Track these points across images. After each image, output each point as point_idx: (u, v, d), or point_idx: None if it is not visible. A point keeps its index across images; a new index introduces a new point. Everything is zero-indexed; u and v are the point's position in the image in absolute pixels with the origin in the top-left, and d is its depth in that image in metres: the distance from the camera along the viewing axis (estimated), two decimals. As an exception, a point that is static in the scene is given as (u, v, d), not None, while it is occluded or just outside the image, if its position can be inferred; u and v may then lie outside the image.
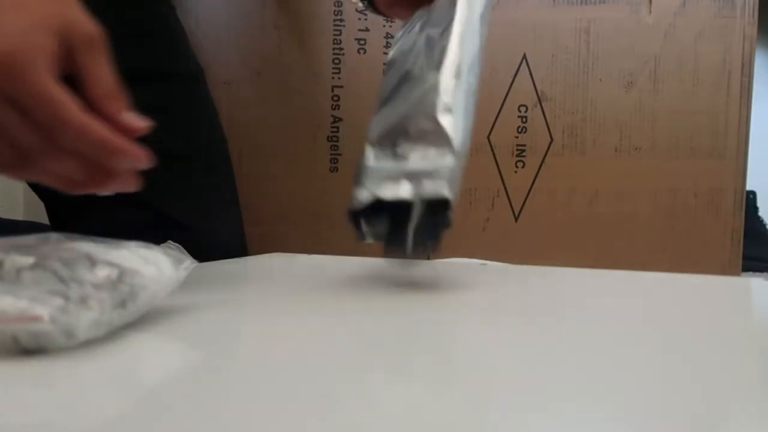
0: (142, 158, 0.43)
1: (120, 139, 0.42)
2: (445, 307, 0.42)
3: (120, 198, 0.72)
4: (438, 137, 0.46)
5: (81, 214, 0.74)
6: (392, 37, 0.88)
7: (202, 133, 0.79)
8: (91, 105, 0.43)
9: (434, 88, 0.48)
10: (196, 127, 0.79)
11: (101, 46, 0.43)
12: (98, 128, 0.42)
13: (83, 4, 0.44)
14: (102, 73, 0.43)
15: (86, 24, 0.43)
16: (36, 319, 0.30)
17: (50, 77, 0.40)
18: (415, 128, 0.47)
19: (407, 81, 0.51)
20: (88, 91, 0.43)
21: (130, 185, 0.45)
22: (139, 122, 0.44)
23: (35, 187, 0.78)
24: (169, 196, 0.73)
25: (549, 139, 0.88)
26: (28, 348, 0.31)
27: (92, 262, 0.35)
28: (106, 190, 0.45)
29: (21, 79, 0.40)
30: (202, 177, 0.77)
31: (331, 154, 0.89)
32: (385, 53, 0.88)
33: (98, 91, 0.43)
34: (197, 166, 0.77)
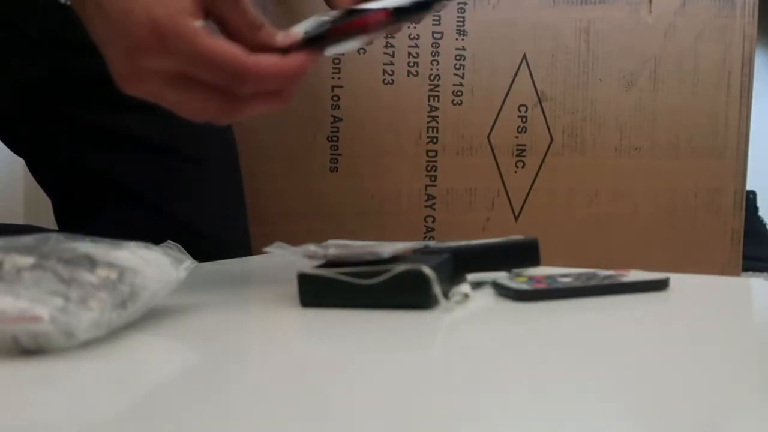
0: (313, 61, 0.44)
1: (294, 61, 0.43)
2: (443, 305, 0.42)
3: (127, 199, 0.73)
4: None
5: (88, 215, 0.74)
6: (392, 37, 0.88)
7: (213, 135, 0.78)
8: (239, 42, 0.43)
9: None
10: (207, 128, 0.78)
11: None
12: (273, 63, 0.42)
13: None
14: (239, 12, 0.43)
15: None
16: (36, 319, 0.30)
17: (202, 35, 0.40)
18: None
19: None
20: (231, 34, 0.43)
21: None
22: (294, 35, 0.44)
23: (43, 185, 0.78)
24: (177, 197, 0.73)
25: (549, 139, 0.88)
26: (28, 348, 0.31)
27: (92, 262, 0.35)
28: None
29: (180, 52, 0.40)
30: (212, 179, 0.77)
31: (331, 154, 0.89)
32: (385, 53, 0.88)
33: (242, 29, 0.43)
34: (207, 168, 0.76)
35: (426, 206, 0.89)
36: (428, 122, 0.88)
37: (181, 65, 0.41)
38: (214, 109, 0.43)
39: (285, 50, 0.44)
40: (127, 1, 0.41)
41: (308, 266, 0.43)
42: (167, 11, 0.40)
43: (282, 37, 0.45)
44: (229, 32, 0.44)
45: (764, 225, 1.46)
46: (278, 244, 0.45)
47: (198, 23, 0.41)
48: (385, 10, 0.46)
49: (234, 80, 0.41)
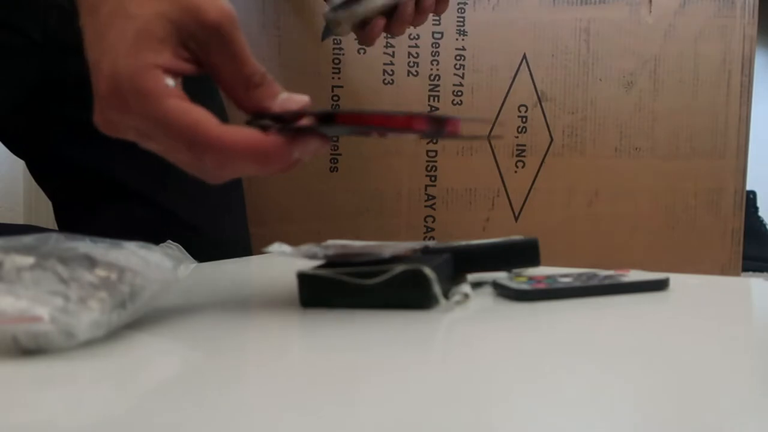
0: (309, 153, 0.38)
1: (270, 143, 0.37)
2: (443, 305, 0.42)
3: (128, 197, 0.73)
4: None
5: (88, 215, 0.74)
6: (392, 37, 0.88)
7: None
8: (232, 101, 0.39)
9: None
10: None
11: (228, 31, 0.37)
12: (242, 141, 0.36)
13: None
14: (234, 65, 0.38)
15: (206, 11, 0.36)
16: (36, 319, 0.30)
17: (164, 95, 0.36)
18: None
19: None
20: (224, 88, 0.39)
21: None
22: (296, 101, 0.39)
23: (43, 186, 0.78)
24: (178, 195, 0.73)
25: (549, 139, 0.88)
26: (28, 348, 0.31)
27: (92, 262, 0.35)
28: None
29: (137, 112, 0.36)
30: None
31: (331, 154, 0.89)
32: (386, 53, 0.88)
33: (236, 85, 0.38)
34: None
35: (426, 206, 0.89)
36: (428, 122, 0.88)
37: (142, 125, 0.36)
38: (188, 168, 0.38)
39: (281, 118, 0.38)
40: (100, 49, 0.37)
41: (308, 266, 0.43)
42: (131, 66, 0.35)
43: (280, 102, 0.39)
44: (223, 87, 0.39)
45: (764, 225, 1.46)
46: (278, 244, 0.45)
47: (168, 81, 0.36)
48: (425, 118, 0.39)
49: (192, 151, 0.36)
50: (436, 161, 0.89)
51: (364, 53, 0.88)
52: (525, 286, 0.45)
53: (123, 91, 0.36)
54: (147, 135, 0.37)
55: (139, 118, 0.36)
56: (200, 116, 0.36)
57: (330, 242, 0.51)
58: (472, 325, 0.40)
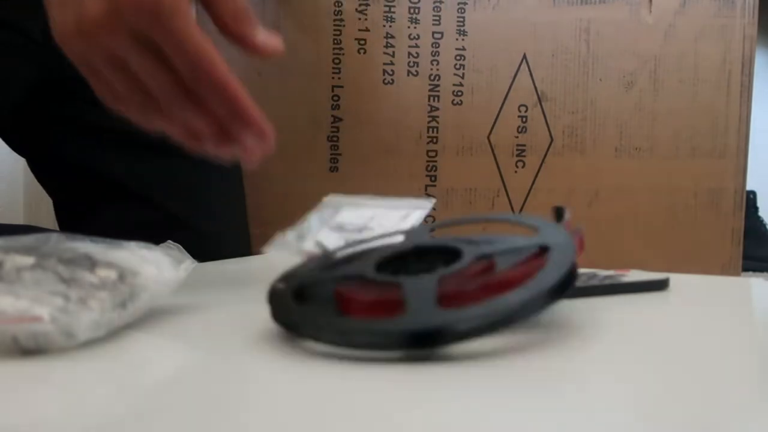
0: (265, 136, 0.41)
1: (251, 109, 0.40)
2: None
3: (128, 197, 0.73)
4: None
5: (88, 215, 0.74)
6: (393, 37, 0.88)
7: None
8: (219, 27, 0.41)
9: None
10: None
11: None
12: (236, 87, 0.40)
13: None
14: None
15: None
16: (36, 319, 0.30)
17: (194, 21, 0.38)
18: None
19: None
20: (213, 12, 0.41)
21: (250, 158, 0.42)
22: (274, 41, 0.43)
23: (44, 184, 0.78)
24: (178, 195, 0.73)
25: (549, 139, 0.88)
26: (28, 348, 0.31)
27: (92, 262, 0.35)
28: (226, 154, 0.43)
29: (165, 24, 0.38)
30: (211, 176, 0.77)
31: (331, 154, 0.89)
32: (386, 53, 0.88)
33: (225, 12, 0.41)
34: (208, 167, 0.76)
35: (426, 206, 0.89)
36: (428, 122, 0.88)
37: (146, 38, 0.38)
38: (156, 89, 0.40)
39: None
40: None
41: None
42: None
43: (262, 38, 0.43)
44: (211, 13, 0.41)
45: (764, 225, 1.46)
46: (278, 241, 0.45)
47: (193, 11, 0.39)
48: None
49: (193, 77, 0.39)
50: (436, 161, 0.89)
51: (364, 53, 0.88)
52: None
53: (160, 6, 0.37)
54: (134, 49, 0.39)
55: (155, 29, 0.38)
56: (216, 52, 0.39)
57: (331, 197, 0.51)
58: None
